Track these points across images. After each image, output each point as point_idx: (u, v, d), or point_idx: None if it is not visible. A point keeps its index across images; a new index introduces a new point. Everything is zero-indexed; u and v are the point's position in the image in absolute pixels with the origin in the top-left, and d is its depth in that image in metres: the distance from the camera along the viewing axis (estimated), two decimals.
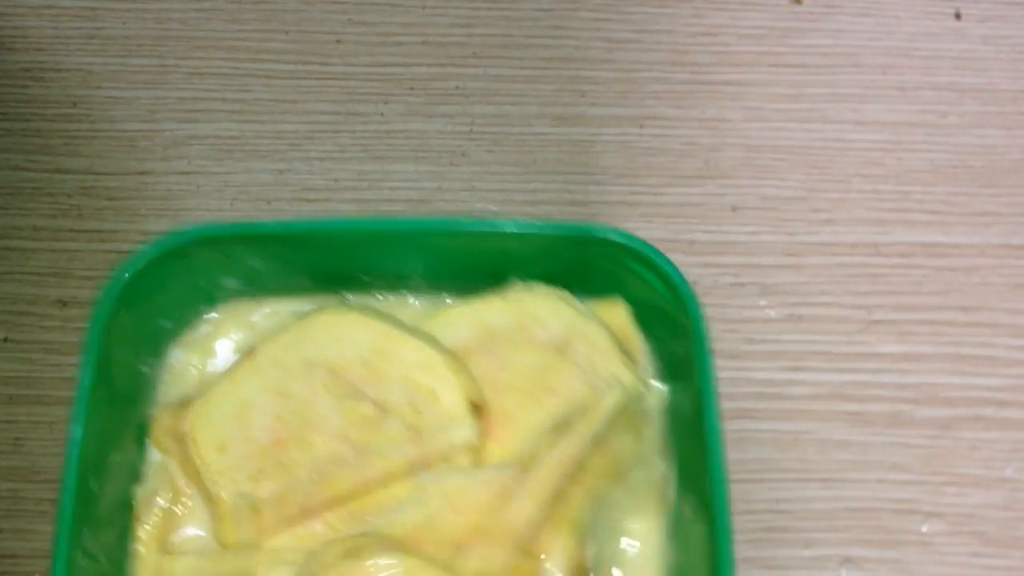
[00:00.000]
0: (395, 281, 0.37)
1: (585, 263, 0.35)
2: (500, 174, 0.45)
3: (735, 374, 0.42)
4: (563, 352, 0.34)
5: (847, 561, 0.40)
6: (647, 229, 0.45)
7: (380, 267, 0.36)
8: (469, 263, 0.36)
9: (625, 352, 0.34)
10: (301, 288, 0.37)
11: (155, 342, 0.36)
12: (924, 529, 0.41)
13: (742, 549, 0.40)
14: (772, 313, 0.44)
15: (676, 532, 0.34)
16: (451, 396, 0.33)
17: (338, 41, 0.48)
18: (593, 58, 0.48)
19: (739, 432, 0.42)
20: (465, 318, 0.35)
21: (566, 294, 0.36)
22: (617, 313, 0.36)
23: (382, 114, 0.46)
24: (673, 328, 0.34)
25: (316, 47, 0.48)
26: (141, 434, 0.35)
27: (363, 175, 0.45)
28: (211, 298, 0.37)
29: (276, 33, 0.48)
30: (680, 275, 0.34)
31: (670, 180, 0.46)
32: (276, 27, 0.48)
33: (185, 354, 0.37)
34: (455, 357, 0.34)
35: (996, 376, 0.43)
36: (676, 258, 0.44)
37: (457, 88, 0.47)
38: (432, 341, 0.35)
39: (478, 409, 0.33)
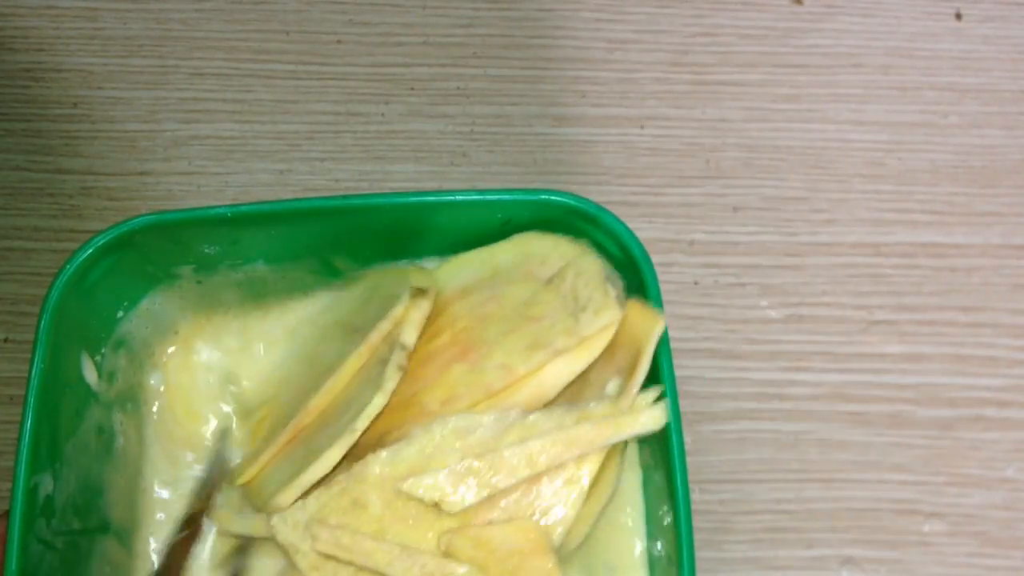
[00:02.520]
0: (354, 262, 0.37)
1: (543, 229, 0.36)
2: (501, 174, 0.45)
3: (736, 374, 0.43)
4: (552, 282, 0.34)
5: (848, 561, 0.40)
6: (648, 229, 0.45)
7: (335, 247, 0.36)
8: (425, 240, 0.36)
9: (613, 283, 0.34)
10: (258, 272, 0.37)
11: (109, 332, 0.36)
12: (925, 529, 0.41)
13: (743, 549, 0.40)
14: (773, 313, 0.44)
15: (645, 483, 0.35)
16: (401, 292, 0.34)
17: (339, 41, 0.48)
18: (594, 58, 0.48)
19: (740, 432, 0.42)
20: (474, 261, 0.36)
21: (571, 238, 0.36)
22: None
23: (383, 114, 0.46)
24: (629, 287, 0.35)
25: (317, 47, 0.48)
26: (101, 425, 0.35)
27: (364, 175, 0.45)
28: (165, 287, 0.37)
29: (277, 33, 0.48)
30: (632, 234, 0.34)
31: (671, 180, 0.46)
32: (277, 27, 0.48)
33: (140, 344, 0.37)
34: (423, 268, 0.36)
35: (997, 376, 0.43)
36: (676, 258, 0.44)
37: (458, 88, 0.47)
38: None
39: (421, 291, 0.33)
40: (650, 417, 0.31)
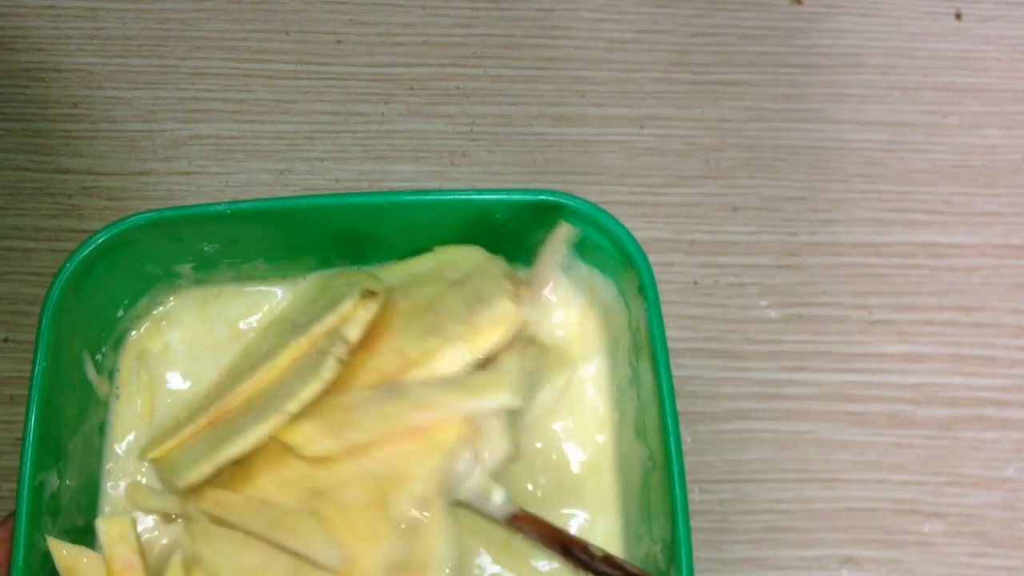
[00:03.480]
0: (347, 258, 0.37)
1: (535, 232, 0.36)
2: (501, 174, 0.45)
3: (736, 374, 0.43)
4: (459, 283, 0.35)
5: (848, 561, 0.40)
6: (648, 229, 0.45)
7: (334, 245, 0.36)
8: (422, 238, 0.36)
9: (520, 284, 0.35)
10: (256, 270, 0.37)
11: (109, 331, 0.36)
12: (925, 529, 0.41)
13: (742, 549, 0.40)
14: (773, 313, 0.44)
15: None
16: (351, 291, 0.35)
17: (339, 41, 0.48)
18: (593, 58, 0.48)
19: (740, 432, 0.42)
20: (397, 268, 0.37)
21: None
22: None
23: (382, 114, 0.46)
24: (626, 287, 0.35)
25: (317, 47, 0.48)
26: (103, 423, 0.35)
27: (364, 175, 0.45)
28: (165, 285, 0.37)
29: (276, 33, 0.48)
30: (628, 232, 0.34)
31: (671, 180, 0.46)
32: (276, 27, 0.48)
33: (140, 342, 0.37)
34: (374, 275, 0.37)
35: (997, 376, 0.43)
36: (676, 258, 0.44)
37: (457, 88, 0.47)
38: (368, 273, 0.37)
39: (371, 293, 0.34)
40: (499, 390, 0.33)
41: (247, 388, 0.34)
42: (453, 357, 0.33)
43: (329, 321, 0.34)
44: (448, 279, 0.36)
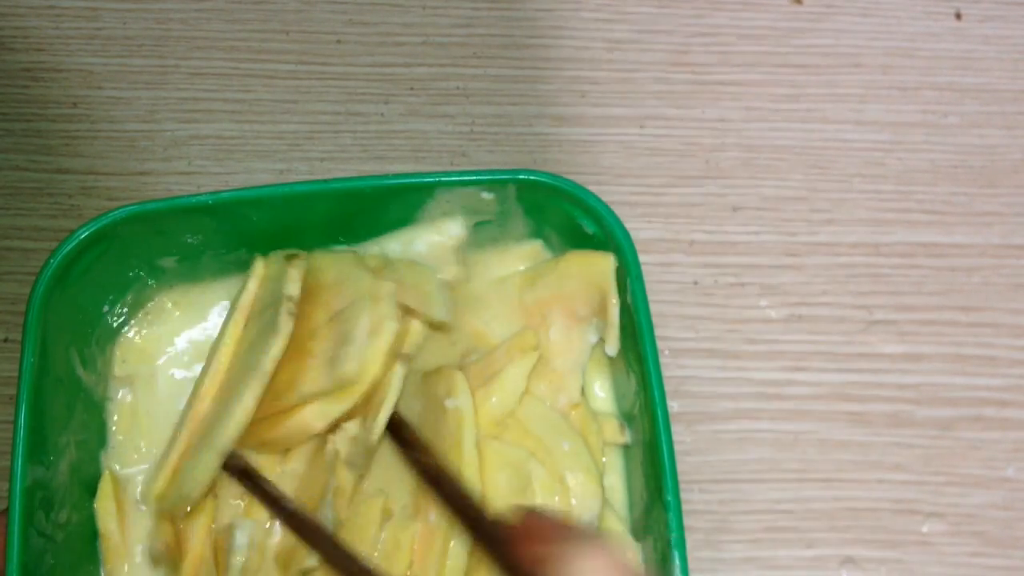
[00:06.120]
0: (329, 246, 0.37)
1: (518, 213, 0.36)
2: None
3: (736, 374, 0.43)
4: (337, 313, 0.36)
5: (847, 561, 0.40)
6: (648, 229, 0.45)
7: (314, 231, 0.36)
8: (406, 219, 0.37)
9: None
10: (240, 261, 0.37)
11: (95, 326, 0.36)
12: (925, 529, 0.41)
13: (742, 549, 0.40)
14: (773, 313, 0.44)
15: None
16: (261, 259, 0.36)
17: (338, 41, 0.48)
18: (593, 58, 0.48)
19: (740, 432, 0.42)
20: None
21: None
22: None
23: (382, 114, 0.46)
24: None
25: (317, 47, 0.48)
26: (93, 418, 0.35)
27: (363, 175, 0.45)
28: (150, 278, 0.37)
29: (276, 33, 0.48)
30: (606, 206, 0.34)
31: (670, 180, 0.46)
32: (276, 27, 0.48)
33: (126, 335, 0.37)
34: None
35: (997, 376, 0.43)
36: (676, 258, 0.44)
37: (457, 88, 0.47)
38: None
39: (293, 255, 0.35)
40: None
41: (208, 387, 0.34)
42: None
43: (251, 286, 0.34)
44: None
